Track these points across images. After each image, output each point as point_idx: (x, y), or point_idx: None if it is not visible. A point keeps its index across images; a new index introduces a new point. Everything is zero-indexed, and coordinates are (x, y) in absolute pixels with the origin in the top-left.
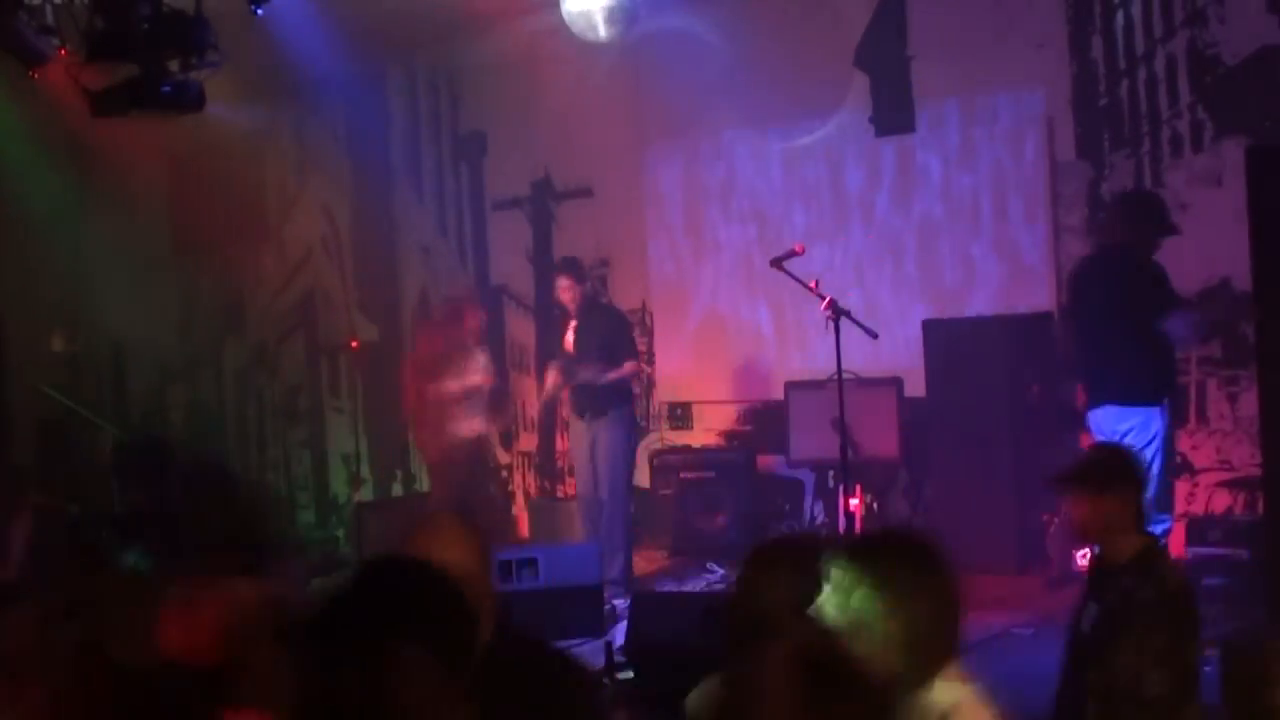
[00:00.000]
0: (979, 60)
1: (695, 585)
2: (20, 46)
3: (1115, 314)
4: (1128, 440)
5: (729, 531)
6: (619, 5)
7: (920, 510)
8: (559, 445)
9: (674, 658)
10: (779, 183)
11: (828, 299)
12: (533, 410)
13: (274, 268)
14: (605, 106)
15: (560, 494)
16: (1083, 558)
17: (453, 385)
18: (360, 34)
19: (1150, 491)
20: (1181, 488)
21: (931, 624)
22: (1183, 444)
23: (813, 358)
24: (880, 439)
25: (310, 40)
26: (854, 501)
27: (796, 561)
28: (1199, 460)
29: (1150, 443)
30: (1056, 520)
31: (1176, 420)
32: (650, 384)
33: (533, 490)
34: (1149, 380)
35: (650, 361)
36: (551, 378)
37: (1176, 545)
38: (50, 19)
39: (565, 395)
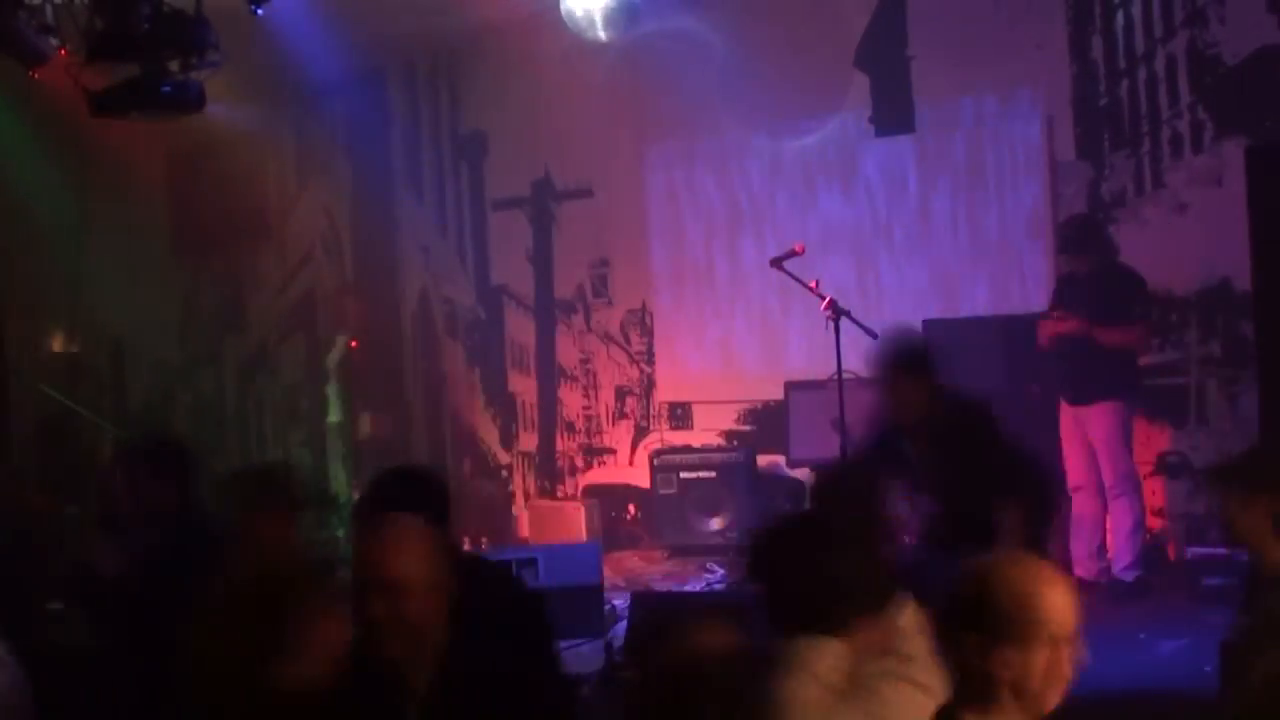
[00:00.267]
0: (979, 60)
1: (695, 585)
2: (20, 46)
3: None
4: None
5: (729, 531)
6: (619, 5)
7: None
8: (559, 445)
9: None
10: (779, 182)
11: (828, 299)
12: (533, 410)
13: (274, 268)
14: (605, 106)
15: (560, 494)
16: (1081, 559)
17: None
18: (360, 34)
19: None
20: (1181, 487)
21: None
22: (1183, 444)
23: (813, 358)
24: None
25: (310, 40)
26: None
27: None
28: (1199, 460)
29: None
30: (1055, 520)
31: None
32: (650, 384)
33: (533, 490)
34: None
35: (650, 361)
36: None
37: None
38: (50, 19)
39: None
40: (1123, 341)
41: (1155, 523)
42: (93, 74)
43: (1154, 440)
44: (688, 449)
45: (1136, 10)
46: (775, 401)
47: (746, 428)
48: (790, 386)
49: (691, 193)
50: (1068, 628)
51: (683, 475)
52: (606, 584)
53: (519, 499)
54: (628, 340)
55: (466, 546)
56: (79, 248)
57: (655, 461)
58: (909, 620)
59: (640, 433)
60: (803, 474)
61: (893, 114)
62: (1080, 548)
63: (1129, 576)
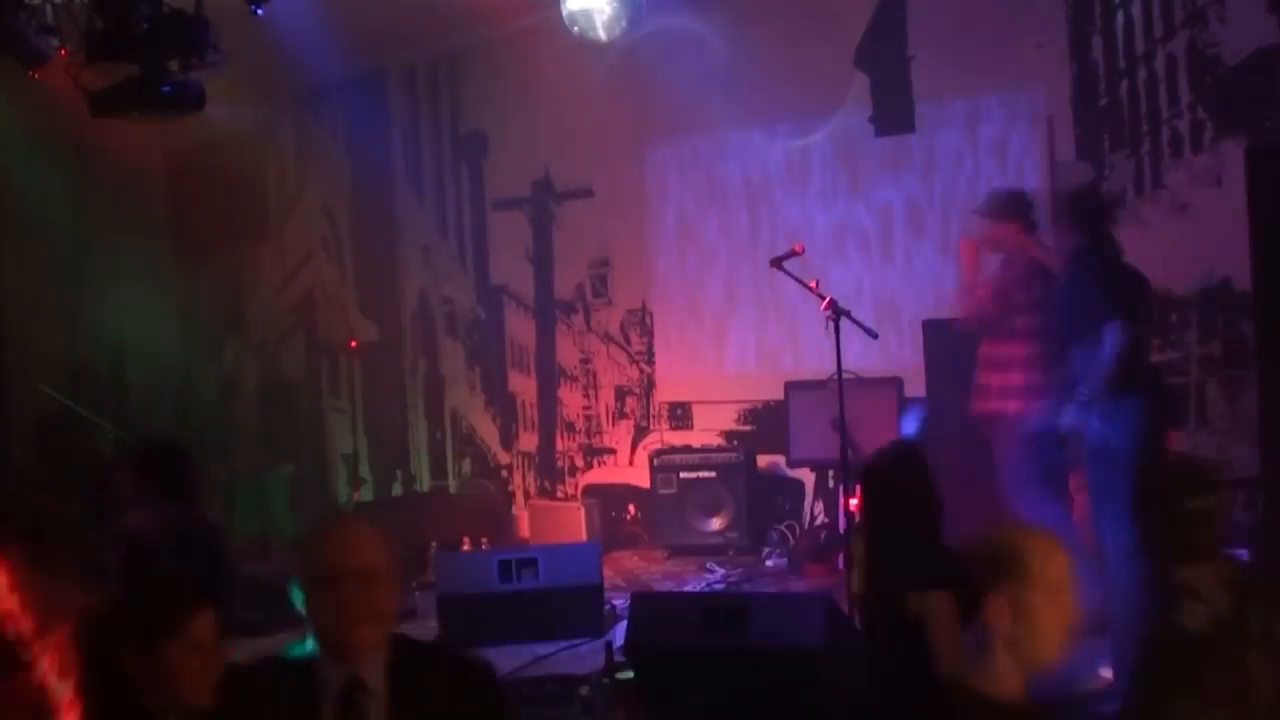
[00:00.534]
0: (979, 60)
1: (695, 585)
2: (20, 46)
3: None
4: None
5: (729, 531)
6: (619, 5)
7: None
8: (559, 445)
9: (674, 658)
10: (779, 183)
11: (828, 299)
12: (533, 410)
13: (274, 268)
14: (605, 106)
15: (560, 494)
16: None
17: None
18: (360, 34)
19: None
20: None
21: None
22: (1183, 444)
23: (813, 358)
24: (880, 439)
25: (310, 40)
26: (854, 501)
27: None
28: None
29: None
30: None
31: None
32: (650, 384)
33: (533, 490)
34: None
35: (650, 361)
36: None
37: None
38: (50, 19)
39: None
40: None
41: None
42: (93, 74)
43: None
44: (688, 449)
45: (1136, 10)
46: (775, 401)
47: (746, 428)
48: (790, 386)
49: (691, 193)
50: (1055, 579)
51: (683, 475)
52: (606, 584)
53: (519, 499)
54: (628, 340)
55: (466, 546)
56: (79, 248)
57: (655, 461)
58: None
59: (640, 433)
60: (803, 474)
61: (893, 114)
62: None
63: None
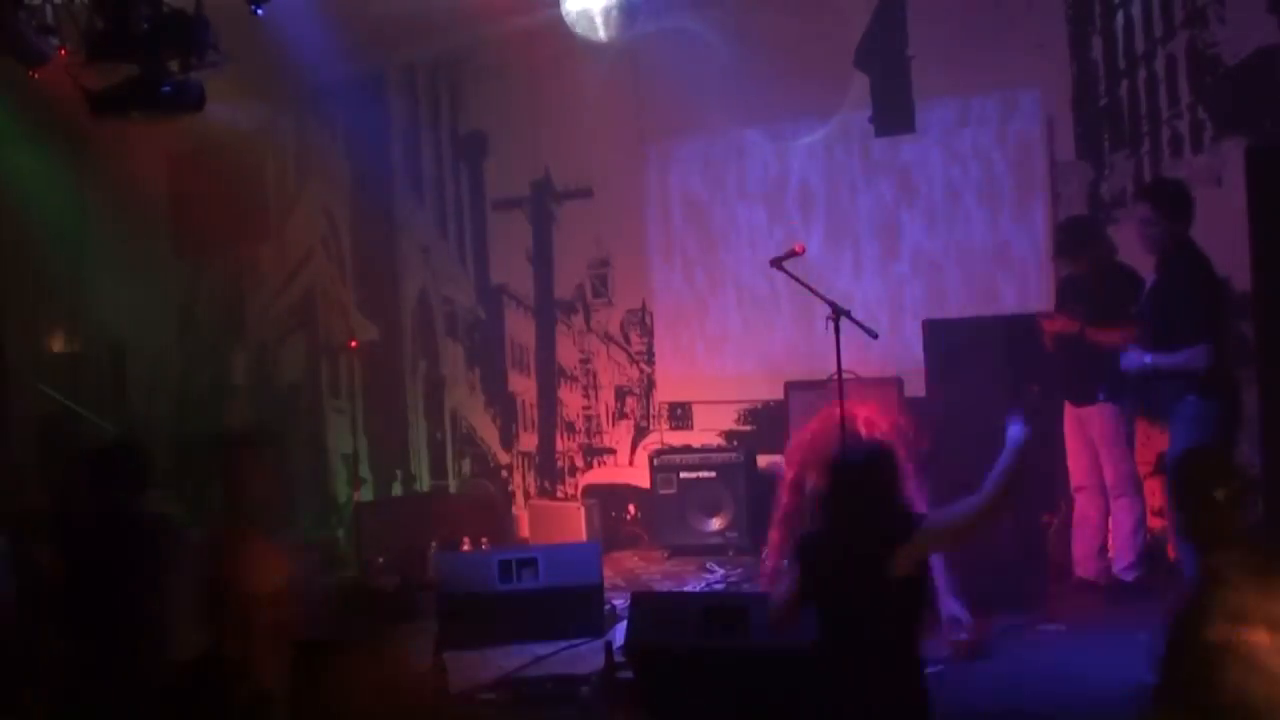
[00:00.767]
0: (979, 60)
1: (695, 585)
2: (20, 46)
3: None
4: None
5: (729, 531)
6: (619, 5)
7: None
8: (559, 445)
9: (674, 658)
10: (779, 183)
11: (828, 299)
12: (533, 410)
13: (274, 268)
14: (605, 106)
15: (560, 494)
16: (1082, 559)
17: None
18: (360, 34)
19: None
20: None
21: None
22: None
23: (813, 358)
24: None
25: (310, 40)
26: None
27: None
28: None
29: None
30: (1056, 520)
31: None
32: (650, 384)
33: (533, 490)
34: None
35: (650, 361)
36: None
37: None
38: (50, 19)
39: None
40: (1114, 341)
41: (1155, 523)
42: (93, 74)
43: (1154, 440)
44: (688, 449)
45: (1136, 10)
46: (775, 401)
47: (746, 428)
48: (790, 386)
49: (691, 192)
50: None
51: (682, 475)
52: (606, 584)
53: (519, 499)
54: (628, 340)
55: (466, 546)
56: (79, 248)
57: (655, 462)
58: None
59: (640, 433)
60: None
61: (893, 114)
62: (1082, 548)
63: (1129, 576)
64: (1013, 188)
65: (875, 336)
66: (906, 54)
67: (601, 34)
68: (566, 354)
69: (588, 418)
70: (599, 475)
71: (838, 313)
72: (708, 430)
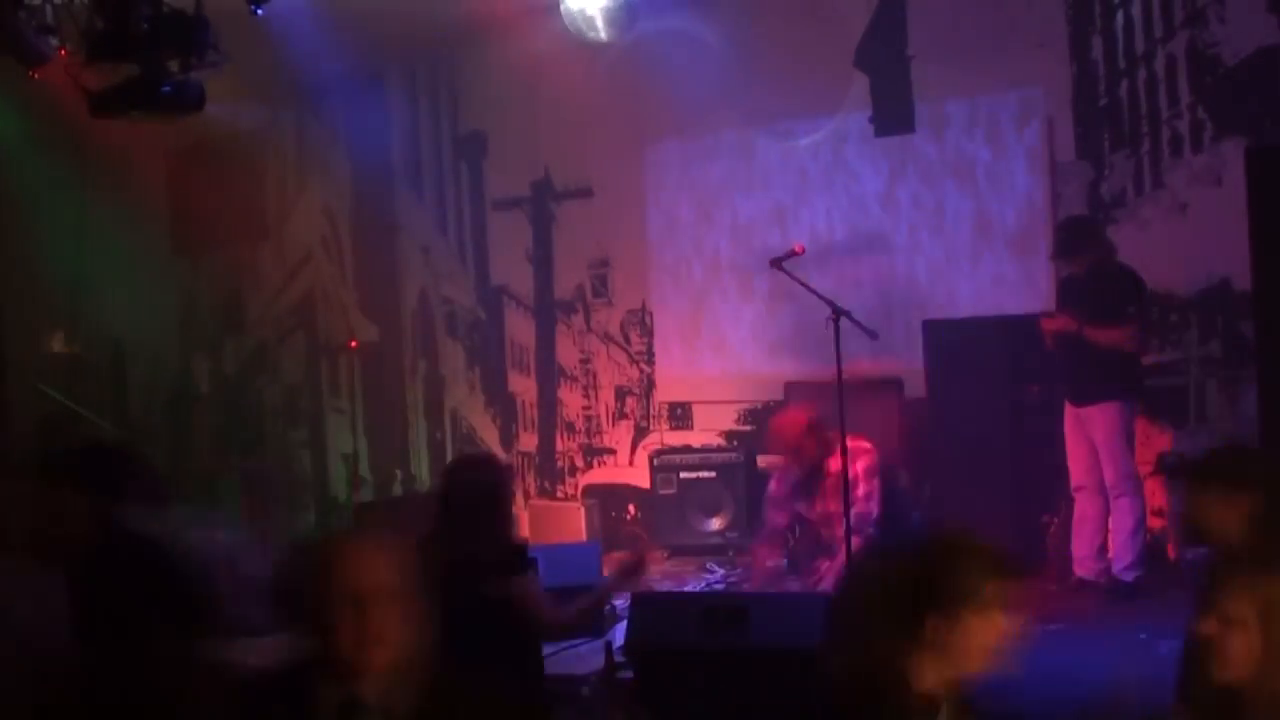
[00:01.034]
0: (979, 60)
1: (695, 585)
2: (20, 46)
3: None
4: None
5: (729, 531)
6: (619, 5)
7: (920, 510)
8: (559, 445)
9: (674, 658)
10: (779, 183)
11: (828, 299)
12: (533, 410)
13: (274, 268)
14: (605, 106)
15: (560, 494)
16: (1082, 558)
17: None
18: (360, 34)
19: None
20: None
21: None
22: (1183, 444)
23: (813, 358)
24: (880, 439)
25: (310, 40)
26: None
27: None
28: None
29: None
30: (1056, 520)
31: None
32: (650, 384)
33: (533, 490)
34: None
35: (650, 361)
36: None
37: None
38: (50, 19)
39: None
40: (1112, 341)
41: (1156, 523)
42: (93, 74)
43: (1154, 440)
44: (687, 449)
45: (1136, 10)
46: (775, 401)
47: (746, 428)
48: (790, 386)
49: (691, 193)
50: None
51: (682, 475)
52: None
53: (519, 499)
54: (628, 340)
55: None
56: (79, 248)
57: (655, 462)
58: None
59: (640, 433)
60: None
61: (893, 114)
62: (1082, 547)
63: (1129, 576)
64: (1012, 188)
65: (875, 337)
66: (906, 54)
67: (601, 34)
68: (566, 354)
69: (588, 418)
70: (599, 475)
71: (837, 313)
72: (708, 430)
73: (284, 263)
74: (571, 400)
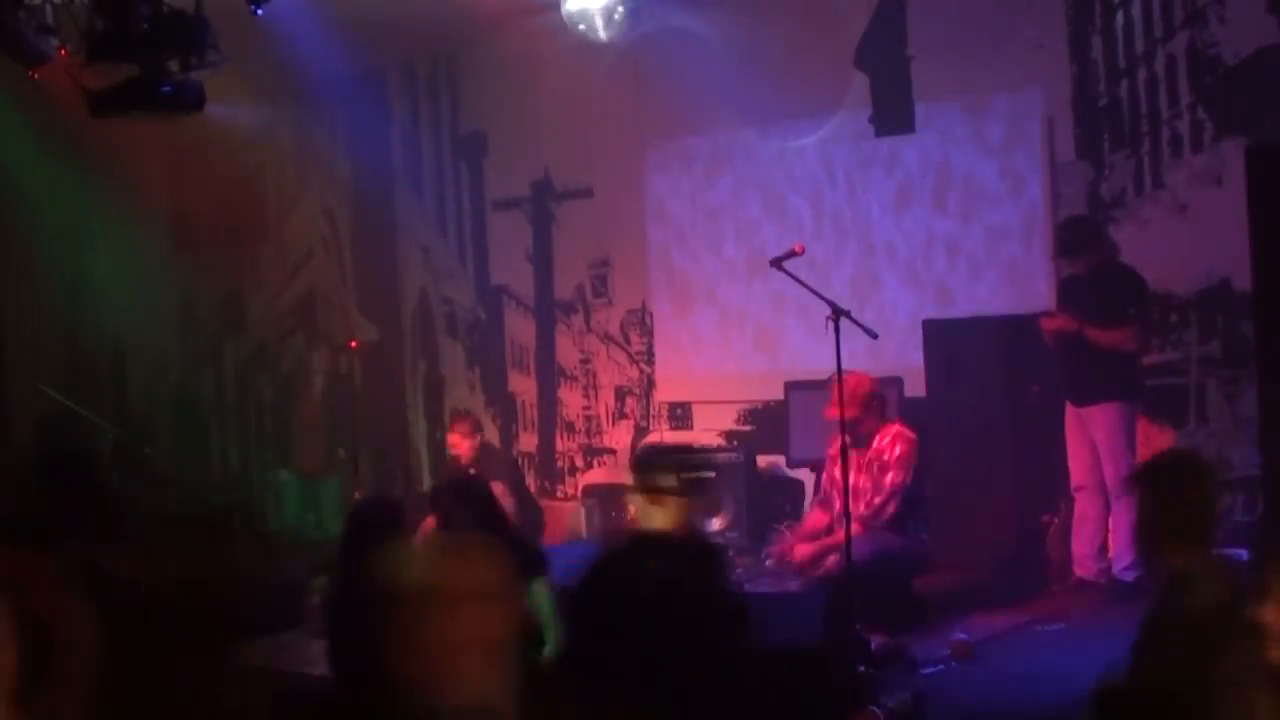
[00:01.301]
0: (979, 60)
1: None
2: (20, 46)
3: None
4: None
5: (729, 531)
6: (619, 5)
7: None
8: (559, 445)
9: None
10: (778, 183)
11: (827, 299)
12: (533, 410)
13: (274, 268)
14: (605, 106)
15: (560, 494)
16: (1082, 558)
17: None
18: (360, 34)
19: None
20: None
21: None
22: (1183, 444)
23: (813, 358)
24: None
25: (310, 40)
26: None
27: None
28: None
29: None
30: (1056, 520)
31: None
32: (650, 384)
33: (533, 490)
34: None
35: (650, 361)
36: None
37: None
38: (50, 19)
39: None
40: (1113, 341)
41: None
42: (93, 74)
43: (1154, 440)
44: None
45: (1136, 10)
46: (775, 401)
47: (746, 428)
48: (790, 386)
49: (691, 192)
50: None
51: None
52: None
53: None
54: (628, 340)
55: None
56: (79, 248)
57: None
58: None
59: (640, 433)
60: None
61: (893, 114)
62: (1082, 547)
63: (1129, 576)
64: (1012, 188)
65: (875, 336)
66: (906, 54)
67: (602, 34)
68: (566, 354)
69: (588, 418)
70: (599, 475)
71: (837, 313)
72: (708, 430)
73: (284, 263)
74: (571, 400)
